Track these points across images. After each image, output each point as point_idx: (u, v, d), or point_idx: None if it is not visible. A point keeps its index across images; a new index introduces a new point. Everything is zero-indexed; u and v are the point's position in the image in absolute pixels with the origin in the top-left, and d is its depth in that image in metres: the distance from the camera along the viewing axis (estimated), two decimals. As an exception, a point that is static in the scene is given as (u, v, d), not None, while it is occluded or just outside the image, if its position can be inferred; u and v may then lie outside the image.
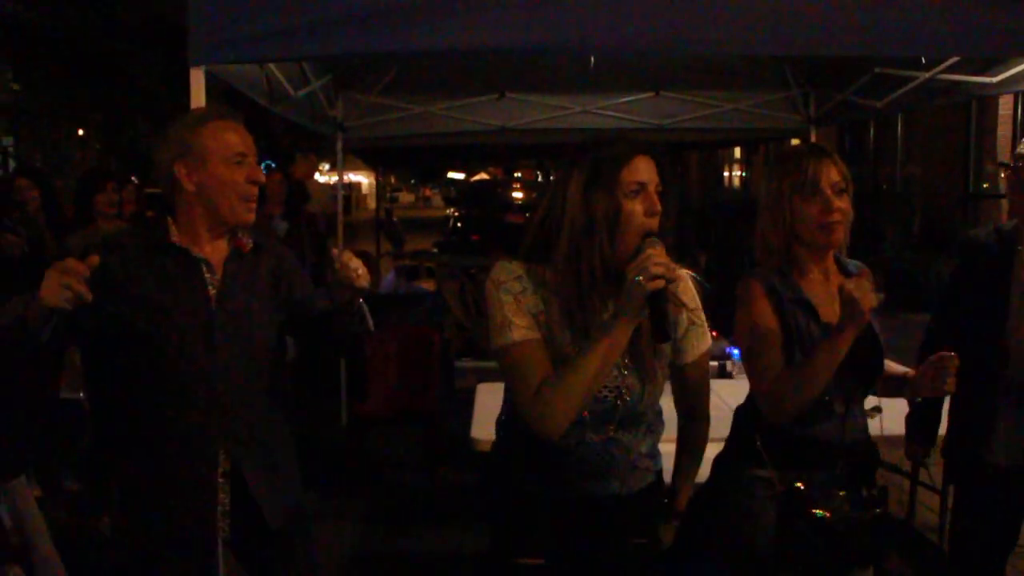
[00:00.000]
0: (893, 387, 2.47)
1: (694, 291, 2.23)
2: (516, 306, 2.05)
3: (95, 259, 1.90)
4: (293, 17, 2.84)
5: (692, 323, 2.21)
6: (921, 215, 13.41)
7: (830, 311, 2.26)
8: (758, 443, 2.26)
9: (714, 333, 2.43)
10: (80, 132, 25.45)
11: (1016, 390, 2.70)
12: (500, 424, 2.32)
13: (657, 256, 1.91)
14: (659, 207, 2.02)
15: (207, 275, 2.23)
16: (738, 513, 2.29)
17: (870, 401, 2.43)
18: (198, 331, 2.19)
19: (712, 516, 2.35)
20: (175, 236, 2.22)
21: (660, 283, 1.90)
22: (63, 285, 1.84)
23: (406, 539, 4.52)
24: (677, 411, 2.32)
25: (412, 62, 5.10)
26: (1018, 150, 2.75)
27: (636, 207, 2.00)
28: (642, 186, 2.01)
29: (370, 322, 2.35)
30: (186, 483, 2.23)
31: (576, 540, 2.22)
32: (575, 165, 2.05)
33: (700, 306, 2.23)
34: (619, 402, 2.11)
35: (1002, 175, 3.14)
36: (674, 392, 2.29)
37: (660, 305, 1.95)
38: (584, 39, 2.91)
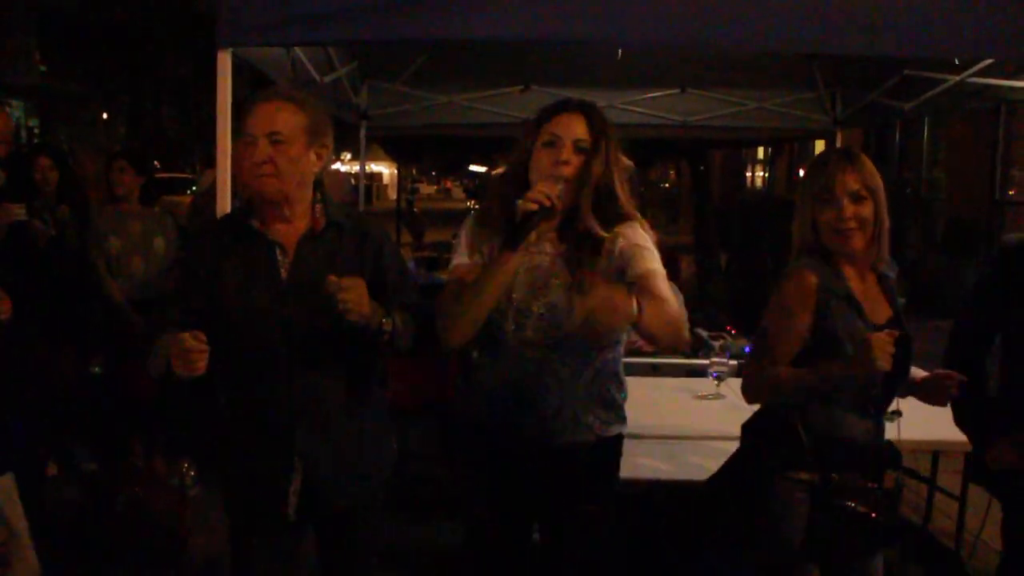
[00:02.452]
0: (903, 388, 2.48)
1: (645, 234, 2.24)
2: (466, 239, 2.27)
3: (202, 335, 2.05)
4: (321, 2, 2.84)
5: (639, 246, 2.19)
6: (945, 220, 13.28)
7: (870, 308, 2.30)
8: (806, 447, 2.25)
9: (732, 330, 2.42)
10: (105, 116, 25.58)
11: None
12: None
13: (543, 187, 2.04)
14: (570, 159, 2.11)
15: (280, 257, 2.26)
16: (775, 512, 2.29)
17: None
18: (270, 311, 2.23)
19: (738, 511, 2.37)
20: (254, 220, 2.28)
21: (532, 205, 2.02)
22: (189, 361, 2.03)
23: (426, 530, 4.51)
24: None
25: (438, 52, 5.09)
26: None
27: (544, 157, 2.11)
28: (556, 138, 2.11)
29: (400, 339, 2.27)
30: (263, 459, 2.31)
31: (519, 482, 2.35)
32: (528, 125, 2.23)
33: (652, 246, 2.23)
34: (549, 314, 2.19)
35: None
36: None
37: (527, 223, 2.06)
38: (611, 31, 2.89)
